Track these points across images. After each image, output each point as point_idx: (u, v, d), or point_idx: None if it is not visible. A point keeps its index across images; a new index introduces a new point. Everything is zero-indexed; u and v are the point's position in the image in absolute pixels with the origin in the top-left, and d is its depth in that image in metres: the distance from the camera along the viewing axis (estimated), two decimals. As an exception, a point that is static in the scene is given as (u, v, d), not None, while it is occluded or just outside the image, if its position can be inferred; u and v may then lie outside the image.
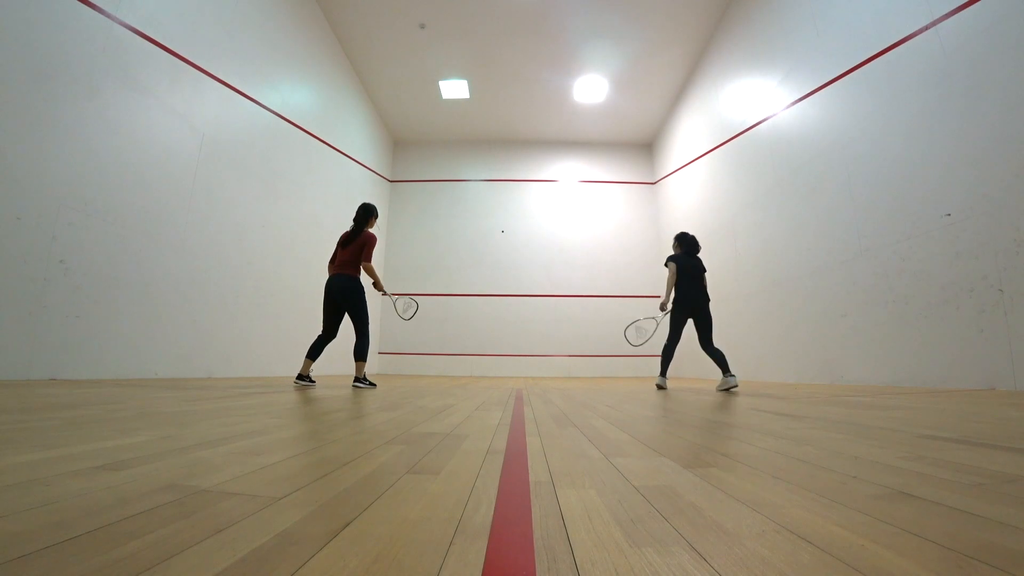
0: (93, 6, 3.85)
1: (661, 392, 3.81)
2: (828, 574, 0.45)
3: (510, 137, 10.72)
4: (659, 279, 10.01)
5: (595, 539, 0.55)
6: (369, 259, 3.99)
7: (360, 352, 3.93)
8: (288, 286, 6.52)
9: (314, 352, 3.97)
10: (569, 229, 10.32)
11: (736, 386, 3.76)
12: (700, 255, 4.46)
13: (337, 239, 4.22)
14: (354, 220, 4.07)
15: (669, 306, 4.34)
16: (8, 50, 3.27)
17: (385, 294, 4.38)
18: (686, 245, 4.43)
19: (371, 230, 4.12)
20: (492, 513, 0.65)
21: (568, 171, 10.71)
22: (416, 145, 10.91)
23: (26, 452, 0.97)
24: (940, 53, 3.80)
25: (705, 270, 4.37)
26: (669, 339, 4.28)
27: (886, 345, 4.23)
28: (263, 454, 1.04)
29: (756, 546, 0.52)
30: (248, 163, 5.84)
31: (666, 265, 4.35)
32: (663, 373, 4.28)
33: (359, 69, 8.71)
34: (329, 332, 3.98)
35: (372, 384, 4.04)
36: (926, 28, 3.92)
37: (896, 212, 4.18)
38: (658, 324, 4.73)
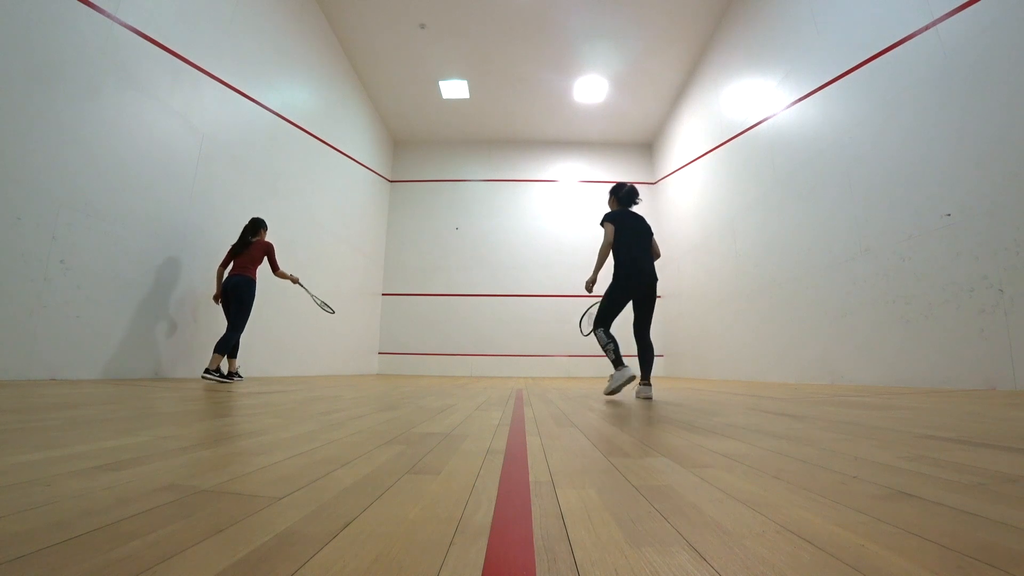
0: (93, 6, 3.85)
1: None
2: (828, 574, 0.45)
3: (510, 137, 10.72)
4: (658, 279, 10.00)
5: (595, 539, 0.55)
6: (276, 266, 4.50)
7: (222, 345, 4.11)
8: (287, 286, 6.52)
9: (225, 349, 4.31)
10: (569, 229, 10.32)
11: (651, 397, 2.93)
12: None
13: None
14: (244, 231, 4.52)
15: (594, 286, 3.33)
16: (8, 50, 3.27)
17: (301, 285, 4.92)
18: (624, 197, 3.37)
19: (265, 239, 4.57)
20: (492, 513, 0.65)
21: (568, 171, 10.71)
22: (416, 145, 10.91)
23: (26, 452, 0.97)
24: (940, 53, 3.80)
25: (652, 233, 3.35)
26: (601, 320, 3.19)
27: (886, 345, 4.23)
28: (263, 454, 1.04)
29: (756, 546, 0.52)
30: (248, 163, 5.84)
31: (602, 225, 3.28)
32: (621, 363, 3.02)
33: (359, 69, 8.71)
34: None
35: (225, 378, 4.03)
36: (926, 28, 3.92)
37: (896, 212, 4.18)
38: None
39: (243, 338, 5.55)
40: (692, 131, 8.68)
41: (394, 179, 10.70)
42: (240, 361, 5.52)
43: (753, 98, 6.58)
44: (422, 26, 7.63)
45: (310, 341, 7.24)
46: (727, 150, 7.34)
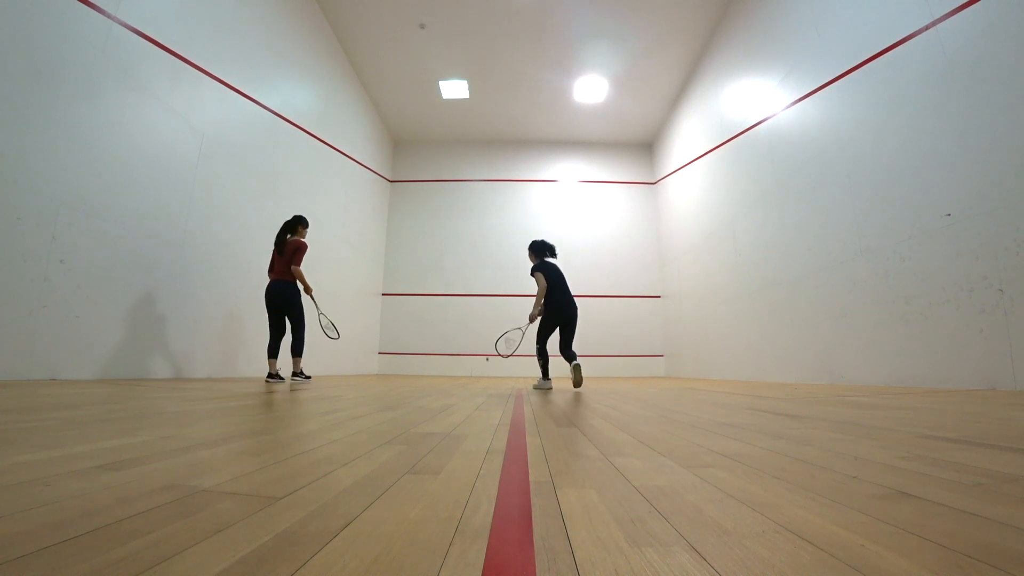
0: (93, 6, 3.85)
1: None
2: (828, 574, 0.45)
3: (510, 137, 10.72)
4: (659, 279, 10.03)
5: (595, 539, 0.55)
6: (298, 264, 4.39)
7: (297, 349, 4.37)
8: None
9: (273, 351, 4.38)
10: (569, 229, 10.32)
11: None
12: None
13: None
14: (280, 230, 4.49)
15: (539, 317, 4.43)
16: (8, 50, 3.27)
17: (312, 299, 4.69)
18: (548, 251, 4.55)
19: (303, 239, 4.54)
20: (492, 513, 0.65)
21: (568, 171, 10.70)
22: (416, 145, 10.91)
23: (26, 452, 0.97)
24: (940, 53, 3.80)
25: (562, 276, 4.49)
26: (540, 343, 4.36)
27: (886, 345, 4.23)
28: (263, 454, 1.04)
29: (756, 546, 0.52)
30: (248, 163, 5.84)
31: (532, 274, 4.43)
32: (546, 376, 4.35)
33: (359, 69, 8.71)
34: (277, 331, 4.41)
35: (307, 377, 4.43)
36: (926, 28, 3.92)
37: (896, 212, 4.18)
38: (524, 334, 4.97)
39: (246, 338, 5.56)
40: (692, 131, 8.68)
41: (394, 179, 10.70)
42: (243, 360, 5.53)
43: (753, 98, 6.58)
44: (422, 26, 7.63)
45: (310, 341, 7.22)
46: (727, 150, 7.34)
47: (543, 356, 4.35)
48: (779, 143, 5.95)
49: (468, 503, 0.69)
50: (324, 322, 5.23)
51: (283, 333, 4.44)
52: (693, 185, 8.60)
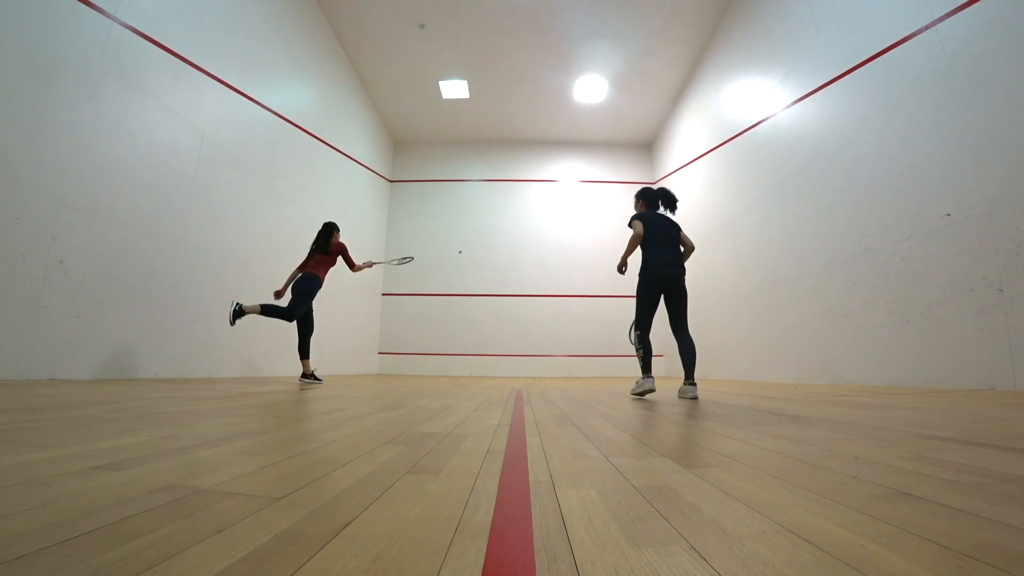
0: (93, 6, 3.85)
1: (650, 397, 3.10)
2: (828, 574, 0.45)
3: (510, 137, 10.71)
4: (659, 279, 10.03)
5: (595, 539, 0.55)
6: (353, 264, 4.73)
7: (301, 349, 4.56)
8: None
9: (303, 351, 4.55)
10: (569, 229, 10.32)
11: (696, 397, 2.93)
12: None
13: (347, 238, 4.72)
14: (320, 235, 4.72)
15: (625, 269, 3.46)
16: (8, 50, 3.27)
17: (374, 264, 5.19)
18: (660, 200, 3.54)
19: (339, 241, 4.81)
20: (492, 513, 0.65)
21: (568, 171, 10.70)
22: (416, 145, 10.91)
23: (26, 452, 0.97)
24: (940, 53, 3.80)
25: (680, 229, 3.48)
26: (638, 323, 3.34)
27: (886, 345, 4.23)
28: (263, 454, 1.04)
29: (756, 546, 0.52)
30: (248, 163, 5.83)
31: (630, 225, 3.40)
32: (647, 371, 3.16)
33: (359, 69, 8.71)
34: (302, 328, 4.59)
35: (317, 379, 4.53)
36: (926, 28, 3.92)
37: (896, 212, 4.18)
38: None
39: (244, 337, 5.56)
40: (692, 131, 8.68)
41: (394, 179, 10.70)
42: (243, 360, 5.53)
43: (753, 98, 6.58)
44: (422, 26, 7.63)
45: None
46: (727, 150, 7.34)
47: (641, 343, 3.26)
48: (779, 143, 5.95)
49: (468, 503, 0.69)
50: (395, 263, 5.67)
51: (311, 330, 4.57)
52: (693, 185, 8.59)
